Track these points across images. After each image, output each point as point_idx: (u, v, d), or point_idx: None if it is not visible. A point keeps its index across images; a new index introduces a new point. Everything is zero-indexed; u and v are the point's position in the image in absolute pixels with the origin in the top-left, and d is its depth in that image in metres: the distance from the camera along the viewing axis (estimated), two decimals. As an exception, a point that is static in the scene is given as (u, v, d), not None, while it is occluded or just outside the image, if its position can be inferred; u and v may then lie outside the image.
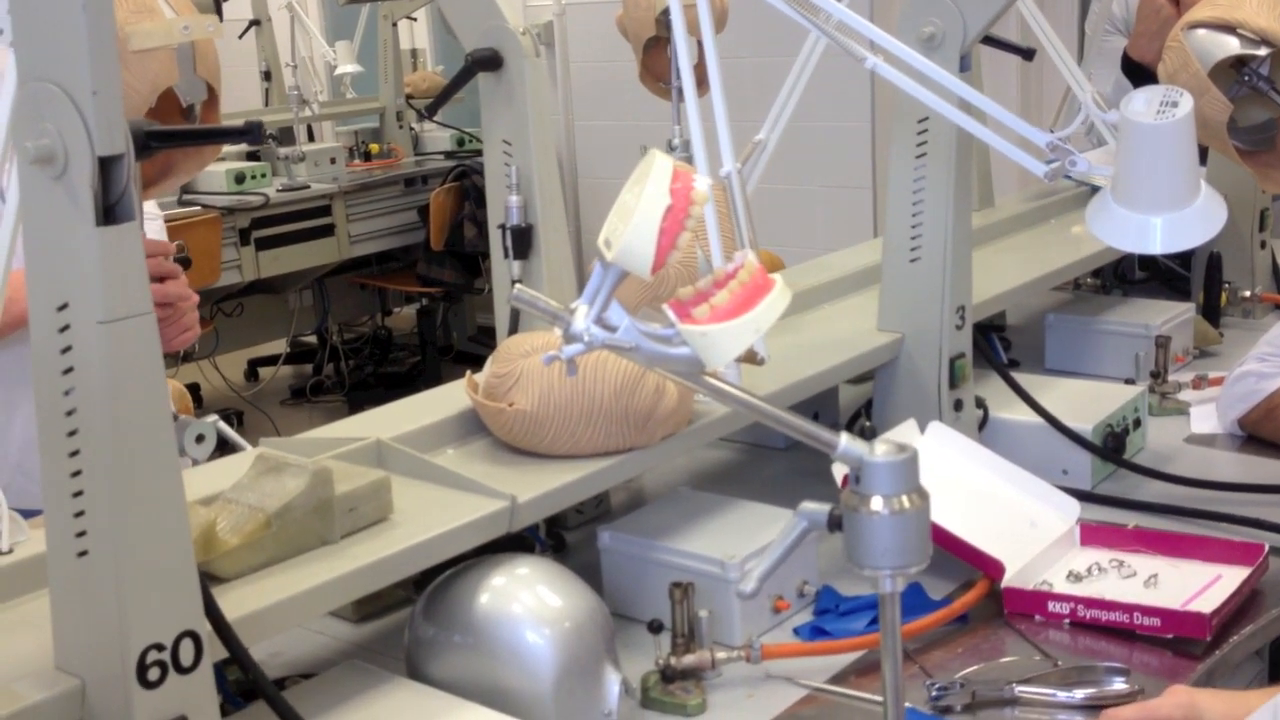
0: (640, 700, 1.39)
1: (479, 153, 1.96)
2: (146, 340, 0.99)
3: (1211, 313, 2.54)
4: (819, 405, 2.06)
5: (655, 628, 1.41)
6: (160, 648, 0.98)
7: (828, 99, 4.44)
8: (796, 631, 1.53)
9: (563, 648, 1.28)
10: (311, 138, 5.95)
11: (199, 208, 4.78)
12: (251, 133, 1.18)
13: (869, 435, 1.64)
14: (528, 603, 1.31)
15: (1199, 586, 1.53)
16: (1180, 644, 1.44)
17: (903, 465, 0.98)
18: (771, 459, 2.08)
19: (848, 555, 1.00)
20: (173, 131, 1.31)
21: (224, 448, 1.63)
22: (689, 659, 1.40)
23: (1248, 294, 2.63)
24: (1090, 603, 1.49)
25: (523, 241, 1.94)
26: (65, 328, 0.98)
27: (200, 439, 1.63)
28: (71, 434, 0.99)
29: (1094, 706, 1.33)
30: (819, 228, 4.92)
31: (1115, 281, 2.77)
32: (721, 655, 1.42)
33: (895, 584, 0.99)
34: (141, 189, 1.49)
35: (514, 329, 1.93)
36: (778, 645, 1.45)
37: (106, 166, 0.95)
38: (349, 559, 1.27)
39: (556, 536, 1.79)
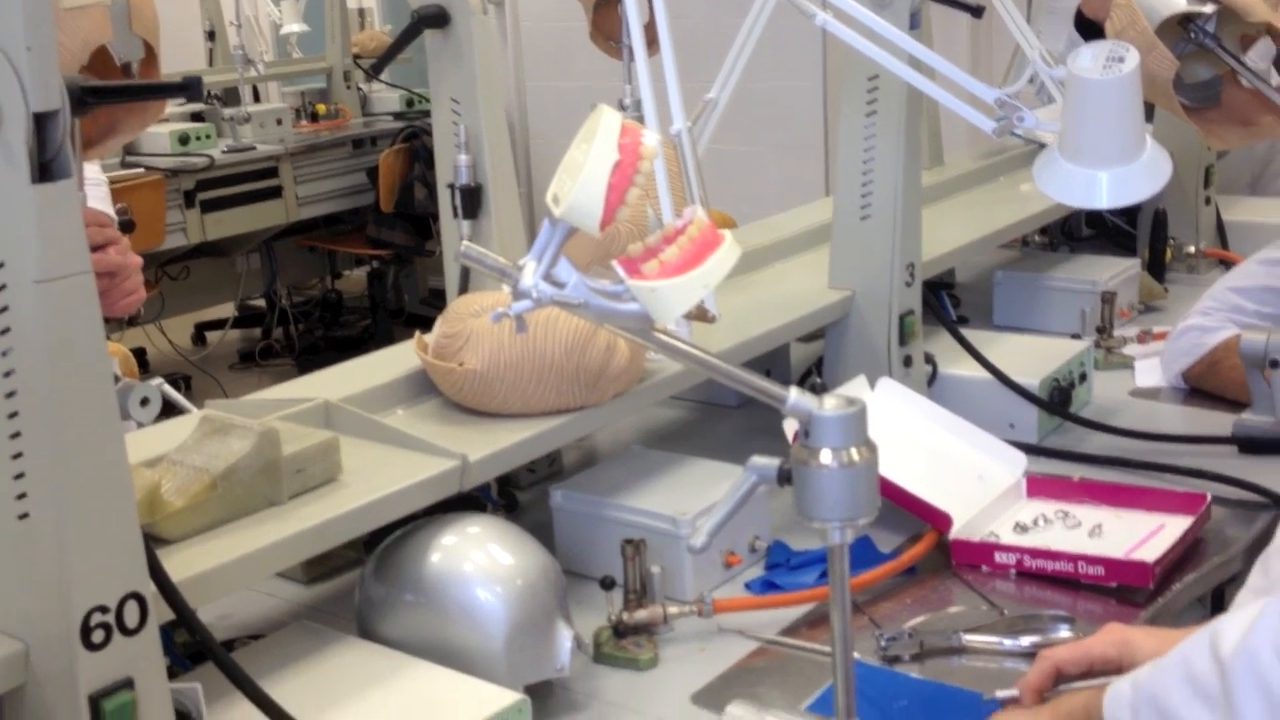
0: (593, 655, 1.40)
1: (429, 113, 1.94)
2: (85, 300, 0.97)
3: (1157, 269, 2.57)
4: (770, 363, 2.06)
5: (607, 584, 1.41)
6: (104, 610, 0.97)
7: (779, 58, 4.43)
8: (748, 586, 1.54)
9: (515, 605, 1.28)
10: (257, 98, 5.87)
11: (142, 169, 4.71)
12: (190, 88, 1.16)
13: (819, 392, 1.65)
14: (479, 561, 1.30)
15: (1142, 536, 1.56)
16: (1124, 592, 1.47)
17: (851, 418, 0.99)
18: (724, 417, 2.09)
19: (797, 508, 1.01)
20: (109, 87, 1.28)
21: (170, 412, 1.61)
22: (641, 614, 1.41)
23: (1192, 250, 2.66)
24: (1036, 553, 1.51)
25: (472, 201, 1.92)
26: (2, 287, 0.96)
27: (145, 402, 1.61)
28: (10, 395, 0.97)
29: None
30: (770, 188, 4.92)
31: (1062, 239, 2.80)
32: (673, 610, 1.42)
33: (844, 535, 1.00)
34: (84, 148, 1.46)
35: (464, 289, 1.92)
36: (729, 599, 1.46)
37: (41, 123, 0.93)
38: (297, 520, 1.26)
39: (508, 496, 1.79)
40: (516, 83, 5.58)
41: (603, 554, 1.50)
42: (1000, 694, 1.22)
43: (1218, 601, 1.60)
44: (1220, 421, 1.91)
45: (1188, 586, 1.50)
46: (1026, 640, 1.36)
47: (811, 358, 2.11)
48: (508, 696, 1.18)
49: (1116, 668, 1.12)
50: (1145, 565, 1.46)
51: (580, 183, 0.97)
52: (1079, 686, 1.13)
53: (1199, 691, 0.90)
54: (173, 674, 1.19)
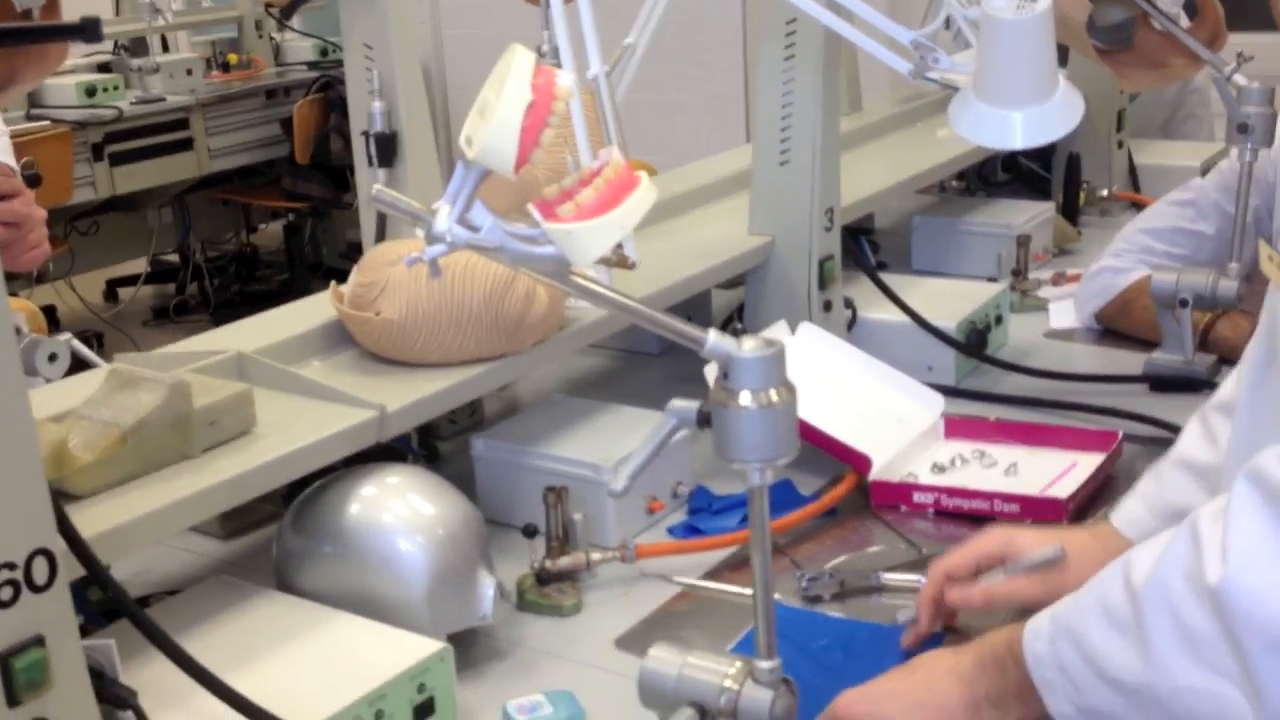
0: (516, 603, 1.40)
1: (343, 63, 1.90)
2: (-18, 248, 0.94)
3: (1070, 212, 2.60)
4: (691, 310, 2.06)
5: (529, 532, 1.41)
6: (11, 566, 0.94)
7: (698, 4, 4.41)
8: (671, 531, 1.54)
9: (436, 555, 1.27)
10: (166, 48, 5.71)
11: (48, 122, 4.57)
12: (87, 29, 1.11)
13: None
14: (399, 511, 1.29)
15: (1056, 473, 1.58)
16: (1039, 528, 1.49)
17: (770, 359, 0.99)
18: (646, 364, 2.09)
19: (717, 450, 1.01)
20: (1, 30, 1.24)
21: (80, 368, 1.57)
22: (564, 561, 1.41)
23: (1105, 193, 2.70)
24: (953, 492, 1.54)
25: (387, 149, 1.89)
26: (-109, 236, 0.93)
27: (53, 358, 1.57)
28: (-96, 348, 0.93)
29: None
30: (692, 136, 4.90)
31: (979, 184, 2.82)
32: (596, 556, 1.42)
33: (764, 477, 1.00)
34: (-17, 98, 1.41)
35: (380, 238, 1.89)
36: (652, 545, 1.47)
37: (-69, 67, 0.90)
38: (210, 473, 1.24)
39: (429, 447, 1.77)
40: (434, 31, 5.49)
41: (525, 502, 1.50)
42: (901, 617, 1.25)
43: (1129, 537, 1.64)
44: (1132, 361, 1.94)
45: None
46: (944, 577, 1.39)
47: (733, 304, 2.12)
48: (430, 646, 1.17)
49: (1001, 560, 1.19)
50: (1059, 501, 1.49)
51: (494, 124, 0.95)
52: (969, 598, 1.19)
53: (1113, 622, 0.92)
54: (89, 631, 1.17)
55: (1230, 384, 1.24)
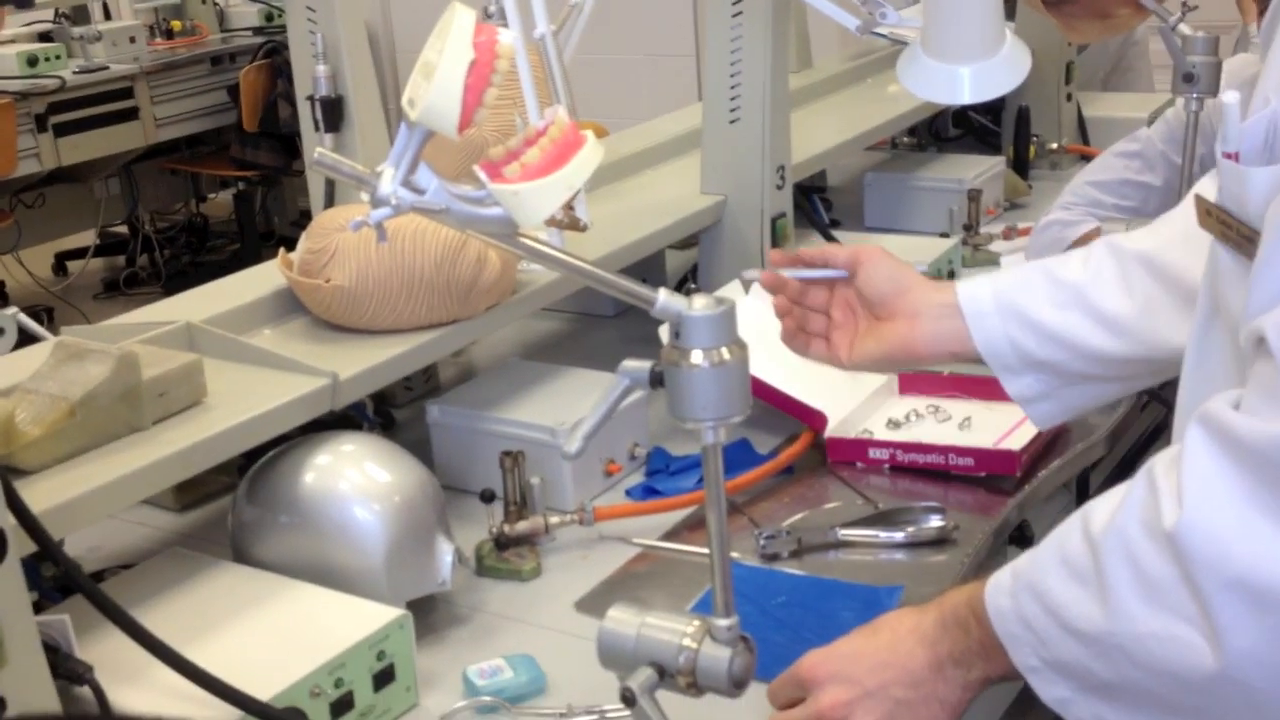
0: (475, 569, 1.40)
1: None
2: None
3: (1021, 166, 2.61)
4: (645, 271, 2.06)
5: (487, 497, 1.41)
6: (-41, 544, 0.94)
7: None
8: (629, 493, 1.54)
9: (393, 522, 1.26)
10: (108, 16, 5.62)
11: (-12, 93, 4.49)
12: (20, -5, 1.09)
13: (693, 296, 1.65)
14: (355, 479, 1.28)
15: (1009, 426, 1.60)
16: (992, 481, 1.51)
17: (720, 318, 0.99)
18: (601, 327, 2.08)
19: (670, 410, 1.01)
20: (-67, -2, 1.21)
21: (29, 343, 1.55)
22: (522, 525, 1.41)
23: (1054, 146, 2.71)
24: (908, 447, 1.54)
25: (333, 113, 1.87)
26: None
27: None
28: None
29: (912, 544, 1.39)
30: (644, 97, 4.88)
31: (930, 139, 2.83)
32: (555, 520, 1.42)
33: (717, 435, 1.00)
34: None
35: (329, 203, 1.87)
36: (610, 507, 1.47)
37: None
38: (161, 445, 1.22)
39: (385, 414, 1.77)
40: (381, -7, 5.43)
41: (482, 467, 1.49)
42: (746, 274, 1.34)
43: (1083, 487, 1.66)
44: (1082, 313, 1.95)
45: (1053, 473, 1.54)
46: (900, 533, 1.40)
47: (687, 265, 2.11)
48: (389, 613, 1.17)
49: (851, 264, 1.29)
50: (1012, 454, 1.50)
51: (435, 84, 0.94)
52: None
53: (1073, 572, 0.92)
54: (43, 607, 1.16)
55: (1136, 233, 1.25)
